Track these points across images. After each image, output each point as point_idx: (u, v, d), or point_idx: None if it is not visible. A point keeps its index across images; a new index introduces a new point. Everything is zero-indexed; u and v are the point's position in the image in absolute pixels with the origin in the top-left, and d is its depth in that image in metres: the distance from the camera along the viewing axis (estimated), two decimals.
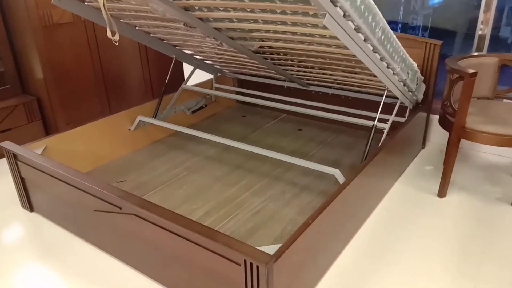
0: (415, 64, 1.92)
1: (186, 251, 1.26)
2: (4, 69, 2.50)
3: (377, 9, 1.36)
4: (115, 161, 2.26)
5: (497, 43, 2.45)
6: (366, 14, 1.29)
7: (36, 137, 2.54)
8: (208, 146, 2.41)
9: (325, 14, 1.13)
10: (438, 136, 2.48)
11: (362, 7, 1.25)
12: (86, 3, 1.88)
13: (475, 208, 1.85)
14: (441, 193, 1.93)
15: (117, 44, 1.73)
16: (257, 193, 1.94)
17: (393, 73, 1.74)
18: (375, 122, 1.85)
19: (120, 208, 1.41)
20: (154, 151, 2.37)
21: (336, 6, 1.15)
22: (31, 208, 1.89)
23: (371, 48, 1.46)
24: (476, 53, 2.09)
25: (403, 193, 1.98)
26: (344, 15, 1.21)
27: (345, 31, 1.26)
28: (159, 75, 3.13)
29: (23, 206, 1.91)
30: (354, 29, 1.30)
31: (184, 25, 1.79)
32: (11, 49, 2.50)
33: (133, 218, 1.38)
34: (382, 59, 1.58)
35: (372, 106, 2.35)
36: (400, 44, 1.66)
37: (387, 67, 1.66)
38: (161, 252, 1.38)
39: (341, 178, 1.68)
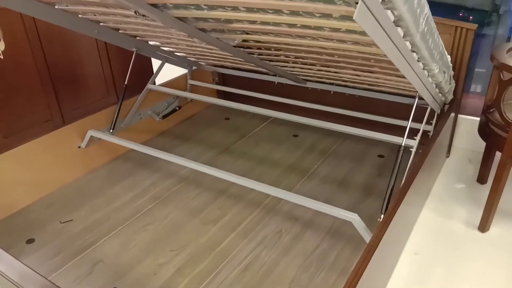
0: (449, 58, 1.45)
1: None
2: None
3: None
4: (63, 189, 1.76)
5: None
6: None
7: None
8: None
9: (357, 1, 0.64)
10: (464, 140, 2.02)
11: None
12: None
13: None
14: (484, 226, 1.49)
15: (1, 57, 1.21)
16: (246, 235, 1.47)
17: (428, 75, 1.27)
18: (403, 143, 1.38)
19: None
20: (112, 173, 1.87)
21: None
22: None
23: (410, 46, 0.98)
24: None
25: (434, 226, 1.54)
26: (383, 1, 0.72)
27: (380, 25, 0.78)
28: (123, 69, 2.59)
29: None
30: (394, 21, 0.81)
31: (135, 13, 1.27)
32: None
33: None
34: (419, 59, 1.10)
35: (386, 106, 1.88)
36: (439, 35, 1.17)
37: (423, 68, 1.19)
38: None
39: (361, 227, 1.22)
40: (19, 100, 2.12)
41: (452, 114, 1.83)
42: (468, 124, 1.97)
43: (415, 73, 1.14)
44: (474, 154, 1.97)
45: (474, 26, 1.68)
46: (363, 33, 0.96)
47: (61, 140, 1.77)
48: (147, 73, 2.64)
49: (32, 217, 1.59)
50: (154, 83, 2.16)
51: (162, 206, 1.63)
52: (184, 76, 2.31)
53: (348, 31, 0.99)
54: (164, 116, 2.19)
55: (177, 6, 1.09)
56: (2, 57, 1.05)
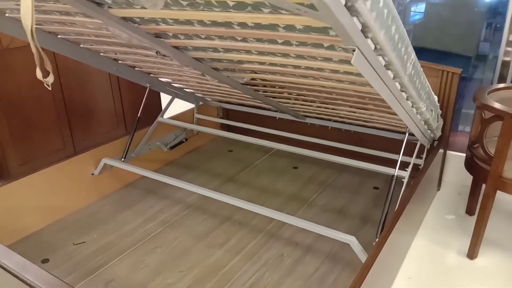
0: (436, 98, 1.61)
1: None
2: None
3: (408, 39, 1.03)
4: (75, 215, 1.86)
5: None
6: (400, 45, 0.95)
7: None
8: (188, 191, 2.03)
9: (354, 49, 0.79)
10: (453, 175, 2.16)
11: (396, 36, 0.91)
12: (36, 26, 1.51)
13: None
14: (472, 254, 1.59)
15: (50, 89, 1.36)
16: (249, 258, 1.57)
17: (417, 112, 1.42)
18: (395, 173, 1.51)
19: None
20: (123, 199, 1.97)
21: (367, 37, 0.81)
22: None
23: (399, 86, 1.13)
24: (505, 85, 1.78)
25: (425, 253, 1.64)
26: (375, 48, 0.87)
27: (373, 68, 0.93)
28: (133, 105, 2.75)
29: None
30: (384, 65, 0.96)
31: (156, 53, 1.43)
32: None
33: None
34: (408, 98, 1.25)
35: (379, 141, 2.02)
36: (425, 78, 1.33)
37: (412, 106, 1.34)
38: None
39: (358, 249, 1.32)
40: (36, 131, 2.25)
41: (441, 150, 1.97)
42: (457, 160, 2.11)
43: (405, 110, 1.29)
44: (463, 188, 2.09)
45: (458, 70, 1.86)
46: (359, 75, 1.11)
47: (75, 167, 1.88)
48: (156, 107, 2.81)
49: (46, 239, 1.68)
50: (162, 117, 2.30)
51: (170, 231, 1.73)
52: (191, 111, 2.46)
53: (346, 72, 1.14)
54: (172, 147, 2.32)
55: (196, 49, 1.25)
56: (50, 88, 1.18)
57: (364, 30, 0.78)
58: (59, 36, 1.58)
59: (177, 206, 1.91)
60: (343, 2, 0.66)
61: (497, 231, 1.76)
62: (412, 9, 2.46)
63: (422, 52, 2.34)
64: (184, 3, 0.88)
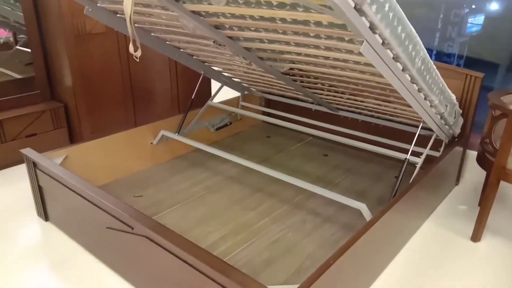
0: (454, 97, 1.81)
1: (196, 282, 1.18)
2: (35, 74, 2.53)
3: (418, 38, 1.27)
4: (135, 175, 2.22)
5: None
6: (407, 42, 1.20)
7: (60, 144, 2.55)
8: (229, 166, 2.34)
9: (363, 41, 1.05)
10: (473, 173, 2.33)
11: (403, 35, 1.16)
12: (118, 15, 1.87)
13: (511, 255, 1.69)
14: (475, 237, 1.78)
15: (137, 61, 1.70)
16: (276, 220, 1.84)
17: (431, 105, 1.64)
18: (408, 156, 1.73)
19: (132, 228, 1.35)
20: (175, 166, 2.32)
21: (375, 33, 1.07)
22: (46, 218, 1.86)
23: (409, 78, 1.37)
24: None
25: (433, 233, 1.84)
26: (383, 43, 1.13)
27: (382, 59, 1.18)
28: (186, 90, 3.11)
29: (39, 214, 1.88)
30: (393, 58, 1.21)
31: (213, 42, 1.74)
32: (43, 55, 2.53)
33: (144, 240, 1.31)
34: (419, 90, 1.48)
35: (405, 136, 2.23)
36: (440, 76, 1.56)
37: (425, 98, 1.56)
38: (171, 280, 1.30)
39: (367, 214, 1.57)
40: (105, 106, 2.66)
41: (460, 148, 2.15)
42: None
43: (417, 101, 1.52)
44: (481, 184, 2.26)
45: (481, 74, 2.04)
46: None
47: (137, 136, 2.24)
48: (206, 93, 3.15)
49: (111, 191, 2.05)
50: (212, 101, 2.63)
51: (212, 194, 2.04)
52: (236, 98, 2.78)
53: (366, 64, 1.39)
54: (218, 129, 2.64)
55: (246, 39, 1.55)
56: (138, 60, 1.52)
57: (372, 28, 1.04)
58: (135, 25, 1.93)
59: (219, 176, 2.22)
60: (353, 5, 0.92)
61: (500, 220, 1.93)
62: (470, 20, 2.45)
63: (476, 64, 2.40)
64: (241, 1, 1.18)
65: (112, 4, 1.70)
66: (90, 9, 1.75)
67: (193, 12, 1.39)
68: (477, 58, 2.45)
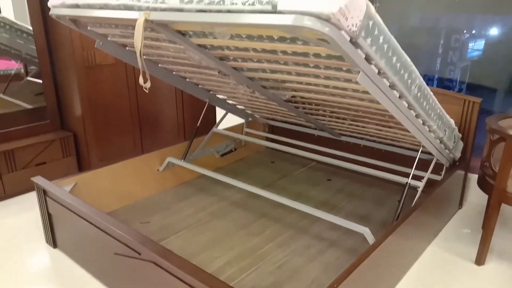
0: (452, 122, 1.86)
1: None
2: (46, 104, 2.62)
3: (413, 67, 1.33)
4: (142, 201, 2.26)
5: None
6: (402, 71, 1.26)
7: (69, 172, 2.60)
8: (234, 191, 2.38)
9: (359, 72, 1.11)
10: (476, 196, 2.35)
11: (398, 64, 1.22)
12: (127, 48, 1.96)
13: None
14: (479, 260, 1.78)
15: (147, 92, 1.77)
16: (281, 245, 1.87)
17: (429, 130, 1.68)
18: (409, 180, 1.77)
19: (139, 254, 1.38)
20: (181, 192, 2.36)
21: (370, 63, 1.13)
22: (54, 244, 1.89)
23: (406, 105, 1.42)
24: None
25: (437, 257, 1.85)
26: (379, 72, 1.19)
27: (379, 88, 1.23)
28: (192, 117, 3.19)
29: (47, 241, 1.92)
30: (389, 86, 1.27)
31: (218, 72, 1.82)
32: (54, 86, 2.63)
33: (151, 266, 1.34)
34: (417, 116, 1.53)
35: (406, 160, 2.27)
36: (437, 101, 1.61)
37: (423, 124, 1.61)
38: None
39: (370, 238, 1.59)
40: (113, 134, 2.73)
41: (462, 172, 2.18)
42: None
43: (416, 126, 1.56)
44: (484, 208, 2.27)
45: (478, 99, 2.09)
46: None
47: (144, 163, 2.30)
48: (211, 120, 3.23)
49: (119, 217, 2.08)
50: (217, 128, 2.70)
51: (217, 220, 2.07)
52: (241, 125, 2.84)
53: (364, 92, 1.45)
54: (223, 155, 2.69)
55: (250, 69, 1.62)
56: (147, 91, 1.59)
57: (368, 59, 1.10)
58: (144, 57, 2.02)
59: (224, 202, 2.26)
60: (348, 39, 0.99)
61: (504, 243, 1.94)
62: (470, 45, 2.52)
63: (476, 90, 2.44)
64: (244, 35, 1.25)
65: (122, 38, 1.78)
66: (101, 43, 1.84)
67: (199, 45, 1.47)
68: (479, 84, 2.49)
